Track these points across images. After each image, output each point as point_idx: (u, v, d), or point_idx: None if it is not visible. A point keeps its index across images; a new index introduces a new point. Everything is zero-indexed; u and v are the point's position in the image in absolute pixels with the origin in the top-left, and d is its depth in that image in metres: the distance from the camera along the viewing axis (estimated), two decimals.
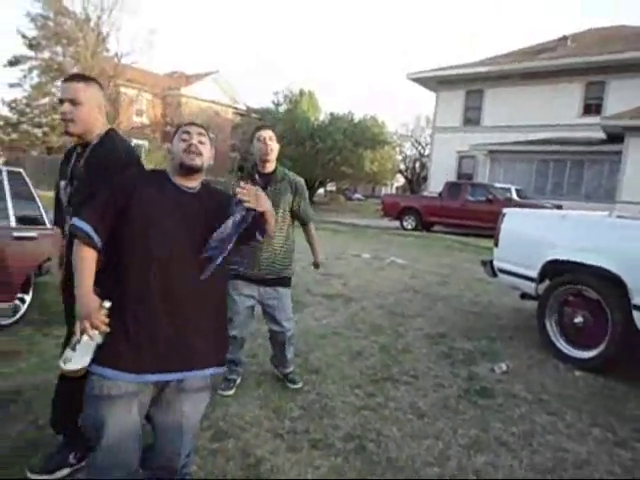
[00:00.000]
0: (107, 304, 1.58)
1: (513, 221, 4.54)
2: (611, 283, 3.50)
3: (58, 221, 2.14)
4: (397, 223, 15.03)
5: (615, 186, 15.12)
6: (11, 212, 3.68)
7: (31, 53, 21.36)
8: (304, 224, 3.00)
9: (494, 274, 4.70)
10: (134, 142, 22.77)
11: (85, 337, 1.56)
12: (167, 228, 1.65)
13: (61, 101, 1.94)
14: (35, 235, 3.81)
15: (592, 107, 17.84)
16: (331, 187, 34.53)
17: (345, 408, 2.77)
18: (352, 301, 5.30)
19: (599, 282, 3.60)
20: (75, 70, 18.29)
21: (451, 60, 21.56)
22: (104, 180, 1.76)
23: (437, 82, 21.41)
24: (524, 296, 4.52)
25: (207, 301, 1.73)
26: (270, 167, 2.83)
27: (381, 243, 11.04)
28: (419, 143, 35.25)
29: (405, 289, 6.10)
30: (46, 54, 21.42)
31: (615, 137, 15.05)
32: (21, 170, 4.13)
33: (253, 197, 1.68)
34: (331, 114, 24.77)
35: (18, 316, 3.86)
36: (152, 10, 56.16)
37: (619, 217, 4.43)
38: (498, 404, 2.94)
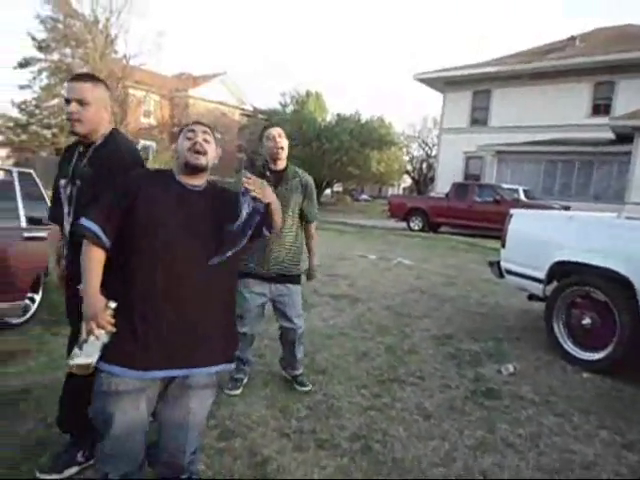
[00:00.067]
0: (113, 304, 1.61)
1: (520, 222, 4.53)
2: (619, 285, 3.48)
3: (56, 218, 2.12)
4: (404, 224, 14.99)
5: (624, 187, 15.00)
6: (22, 212, 3.72)
7: (41, 55, 21.55)
8: (306, 222, 2.97)
9: (501, 275, 4.69)
10: (142, 143, 22.97)
11: (91, 337, 1.59)
12: (172, 227, 1.67)
13: (68, 101, 1.92)
14: (45, 235, 3.82)
15: (601, 107, 17.71)
16: (338, 188, 34.55)
17: (351, 408, 2.78)
18: (358, 302, 5.30)
19: (607, 284, 3.58)
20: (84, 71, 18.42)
21: (459, 62, 21.61)
22: (108, 181, 1.78)
23: (444, 83, 21.35)
24: (531, 297, 4.50)
25: (214, 299, 1.75)
26: (281, 165, 2.83)
27: (387, 244, 11.03)
28: (426, 144, 35.16)
29: (411, 290, 6.09)
30: (55, 56, 21.61)
31: (624, 137, 14.93)
32: (31, 171, 4.17)
33: (258, 187, 1.71)
34: (338, 115, 24.79)
35: (28, 315, 3.91)
36: (160, 12, 56.43)
37: (628, 218, 4.40)
38: (505, 405, 2.93)
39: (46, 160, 21.24)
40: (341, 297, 5.45)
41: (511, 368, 3.49)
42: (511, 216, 4.59)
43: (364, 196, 40.29)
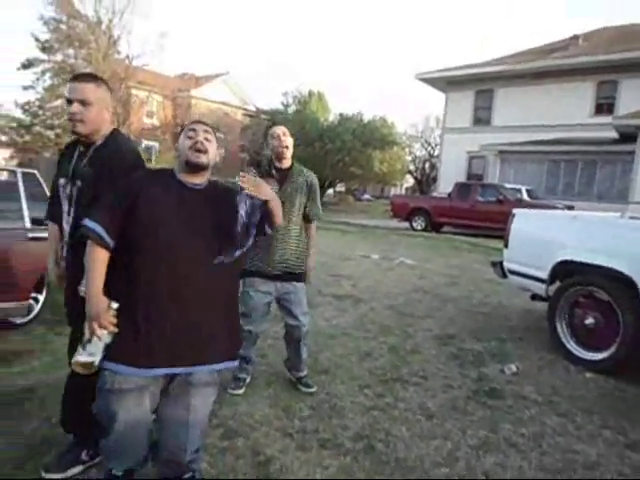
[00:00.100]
0: (115, 305, 1.63)
1: (523, 222, 4.52)
2: (622, 284, 3.48)
3: (54, 217, 2.11)
4: (406, 224, 14.98)
5: (628, 186, 14.97)
6: (26, 213, 3.74)
7: (44, 56, 21.58)
8: (308, 221, 2.95)
9: (504, 275, 4.68)
10: (144, 143, 23.02)
11: (94, 337, 1.61)
12: (173, 227, 1.67)
13: (70, 101, 1.91)
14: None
15: (604, 106, 17.67)
16: (340, 188, 34.52)
17: (354, 408, 2.78)
18: (361, 302, 5.30)
19: (610, 283, 3.57)
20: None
21: (461, 62, 21.55)
22: (109, 181, 1.78)
23: (446, 82, 21.34)
24: (534, 297, 4.49)
25: (217, 297, 1.76)
26: (287, 163, 2.84)
27: (390, 244, 11.03)
28: (428, 144, 35.15)
29: (414, 290, 6.09)
30: (59, 57, 21.64)
31: (628, 137, 14.90)
32: (35, 171, 4.19)
33: (252, 185, 1.70)
34: (340, 115, 24.81)
35: (32, 315, 3.92)
36: (163, 13, 56.61)
37: (631, 218, 4.39)
38: (508, 405, 2.93)
39: (49, 161, 21.28)
40: (344, 297, 5.45)
41: (514, 368, 3.49)
42: (514, 216, 4.58)
43: (366, 196, 40.26)
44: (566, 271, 3.94)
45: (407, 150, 34.33)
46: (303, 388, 2.97)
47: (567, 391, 3.19)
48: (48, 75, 21.73)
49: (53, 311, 4.07)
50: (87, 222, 1.67)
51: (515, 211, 4.68)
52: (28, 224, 3.73)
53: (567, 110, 17.88)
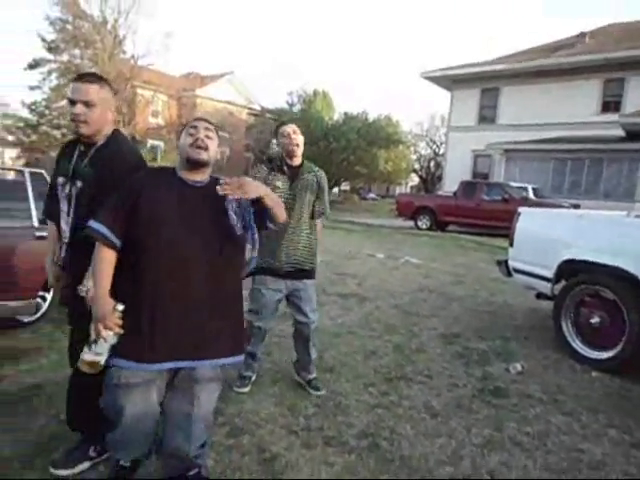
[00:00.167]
0: (120, 307, 1.65)
1: (528, 220, 4.51)
2: (628, 283, 3.46)
3: (51, 215, 2.11)
4: (411, 223, 14.96)
5: (635, 184, 14.88)
6: (34, 212, 3.77)
7: (50, 56, 21.70)
8: (314, 218, 2.93)
9: (509, 274, 4.67)
10: (150, 143, 23.09)
11: (100, 338, 1.64)
12: (175, 224, 1.69)
13: (73, 101, 1.89)
14: None
15: (611, 104, 17.56)
16: (345, 186, 34.55)
17: (359, 406, 2.79)
18: (366, 300, 5.31)
19: (616, 282, 3.56)
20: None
21: (467, 61, 21.41)
22: (111, 181, 1.79)
23: (452, 81, 21.27)
24: (540, 296, 4.48)
25: (219, 294, 1.77)
26: (297, 161, 2.85)
27: (395, 243, 11.02)
28: (434, 142, 35.03)
29: (419, 289, 6.09)
30: (65, 57, 21.75)
31: (635, 135, 14.80)
32: (42, 171, 4.23)
33: (236, 188, 1.66)
34: (345, 114, 24.82)
35: (39, 314, 3.95)
36: (168, 12, 56.75)
37: (637, 216, 4.36)
38: (512, 404, 2.93)
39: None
40: (349, 296, 5.46)
41: (519, 367, 3.48)
42: (519, 215, 4.57)
43: (372, 195, 40.24)
44: (572, 270, 3.93)
45: (412, 149, 34.32)
46: (312, 391, 2.93)
47: (572, 390, 3.18)
48: (54, 75, 21.85)
49: (60, 309, 4.09)
50: (92, 223, 1.69)
51: (520, 210, 4.66)
52: (36, 223, 3.76)
53: (573, 108, 17.78)
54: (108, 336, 1.64)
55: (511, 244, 4.60)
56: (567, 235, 4.02)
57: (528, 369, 3.49)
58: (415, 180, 41.61)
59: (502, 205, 12.66)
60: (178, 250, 1.68)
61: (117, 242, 1.68)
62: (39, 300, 3.90)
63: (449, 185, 19.34)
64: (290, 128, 2.81)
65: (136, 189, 1.72)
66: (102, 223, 1.68)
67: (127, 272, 1.70)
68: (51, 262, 2.12)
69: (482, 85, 20.42)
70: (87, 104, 1.89)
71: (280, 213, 1.83)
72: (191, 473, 1.87)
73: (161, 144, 23.89)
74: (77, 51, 21.51)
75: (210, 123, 1.84)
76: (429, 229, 14.28)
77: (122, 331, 1.65)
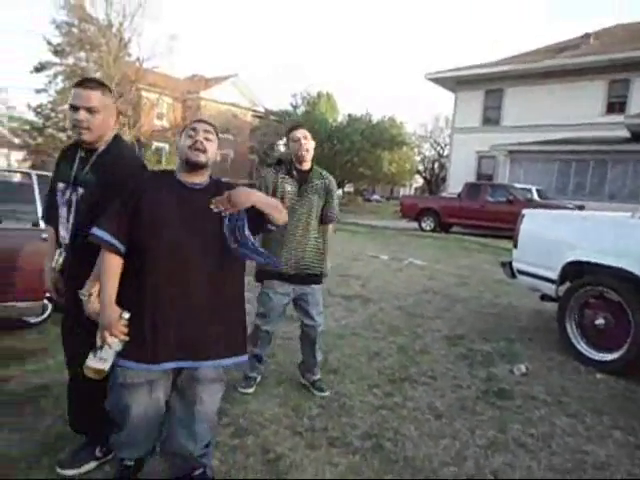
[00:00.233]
0: (126, 315, 1.68)
1: (532, 222, 4.51)
2: (633, 285, 3.46)
3: (50, 220, 2.10)
4: (415, 224, 14.94)
5: None
6: (40, 215, 3.80)
7: (56, 59, 21.86)
8: (324, 223, 2.96)
9: (513, 275, 4.67)
10: (155, 145, 23.18)
11: (106, 345, 1.67)
12: (176, 227, 1.70)
13: (75, 108, 1.88)
14: None
15: (616, 105, 17.48)
16: (349, 188, 34.53)
17: (363, 407, 2.80)
18: (370, 302, 5.32)
19: (621, 284, 3.55)
20: (98, 75, 18.67)
21: (471, 63, 21.31)
22: (114, 188, 1.78)
23: (456, 82, 21.24)
24: (544, 298, 4.48)
25: (221, 298, 1.79)
26: (306, 166, 2.87)
27: (399, 244, 11.01)
28: (438, 144, 35.02)
29: (423, 290, 6.09)
30: (70, 60, 21.89)
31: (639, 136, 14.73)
32: (49, 174, 4.25)
33: (227, 203, 1.67)
34: (349, 115, 24.85)
35: (46, 315, 3.98)
36: (173, 15, 57.06)
37: None
38: (517, 405, 2.93)
39: None
40: (353, 297, 5.47)
41: (523, 368, 3.48)
42: (523, 216, 4.57)
43: (376, 196, 40.21)
44: (576, 271, 3.93)
45: (416, 150, 34.29)
46: (316, 392, 2.94)
47: (577, 392, 3.18)
48: (60, 78, 22.00)
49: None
50: (95, 231, 1.70)
51: (525, 211, 4.66)
52: (42, 225, 3.78)
53: (578, 109, 17.71)
54: (113, 343, 1.67)
55: (515, 246, 4.60)
56: (571, 236, 4.01)
57: (532, 371, 3.49)
58: (419, 181, 41.59)
59: (506, 206, 12.62)
60: (179, 252, 1.69)
61: (122, 248, 1.70)
62: (46, 301, 3.93)
63: (453, 186, 19.30)
64: (301, 133, 2.81)
65: (137, 191, 1.73)
66: (106, 230, 1.69)
67: (132, 279, 1.72)
68: (50, 267, 2.10)
69: (486, 86, 20.39)
70: (90, 110, 1.88)
71: (278, 216, 1.81)
72: (196, 473, 1.89)
73: (166, 146, 23.99)
74: (83, 54, 21.65)
75: (210, 125, 1.84)
76: (433, 230, 14.26)
77: (127, 338, 1.68)
